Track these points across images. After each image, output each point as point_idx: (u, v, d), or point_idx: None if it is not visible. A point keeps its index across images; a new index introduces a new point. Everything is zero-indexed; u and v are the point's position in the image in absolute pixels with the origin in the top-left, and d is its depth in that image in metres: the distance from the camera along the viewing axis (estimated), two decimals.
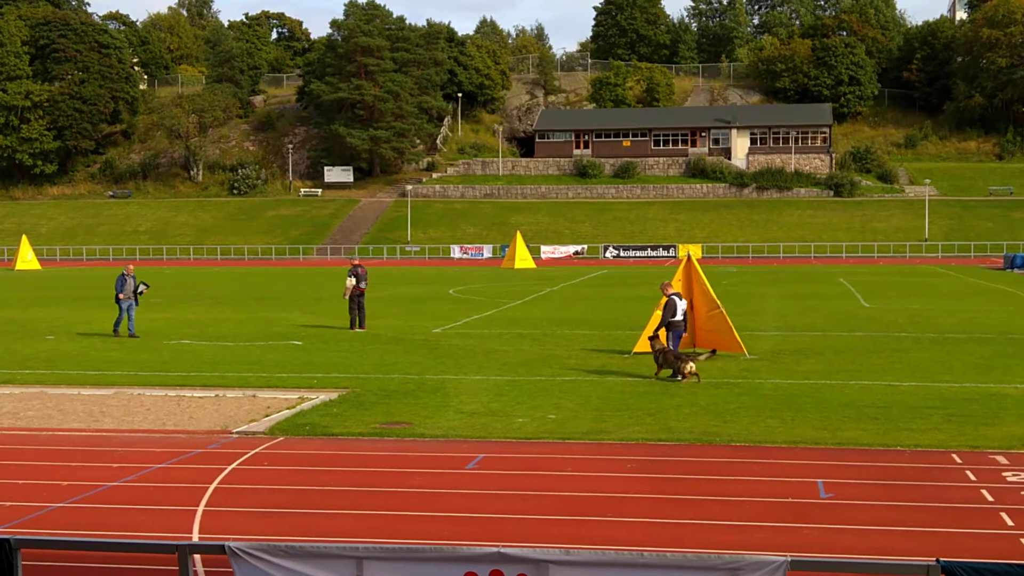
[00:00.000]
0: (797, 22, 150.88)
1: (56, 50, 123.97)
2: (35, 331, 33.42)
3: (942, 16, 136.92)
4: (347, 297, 32.97)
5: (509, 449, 15.96)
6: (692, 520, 12.20)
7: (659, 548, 10.93)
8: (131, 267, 32.60)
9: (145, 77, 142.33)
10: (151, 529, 11.98)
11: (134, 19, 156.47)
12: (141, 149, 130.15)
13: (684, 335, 24.20)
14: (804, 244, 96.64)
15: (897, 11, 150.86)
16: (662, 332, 23.29)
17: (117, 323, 31.85)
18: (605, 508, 12.70)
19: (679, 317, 23.47)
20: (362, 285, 32.88)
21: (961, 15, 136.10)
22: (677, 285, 25.69)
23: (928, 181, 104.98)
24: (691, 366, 21.83)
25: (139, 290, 31.86)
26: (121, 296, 31.47)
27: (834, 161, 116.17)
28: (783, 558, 6.51)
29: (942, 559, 6.52)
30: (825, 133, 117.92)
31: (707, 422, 17.59)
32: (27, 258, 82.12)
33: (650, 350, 22.77)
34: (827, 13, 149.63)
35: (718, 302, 25.63)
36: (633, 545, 11.05)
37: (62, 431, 17.84)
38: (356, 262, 33.92)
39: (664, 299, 23.79)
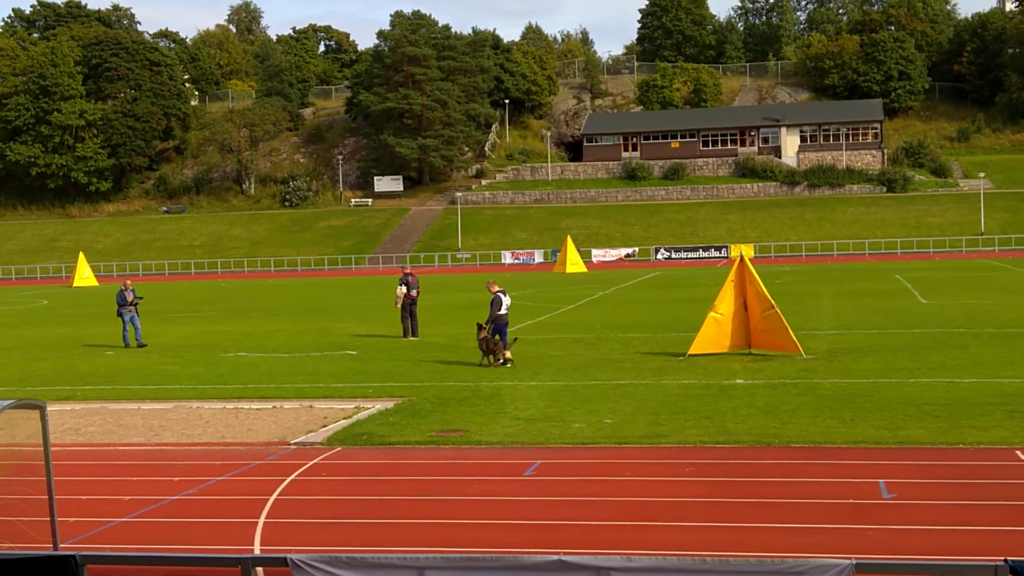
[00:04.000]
0: (845, 18, 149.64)
1: (108, 69, 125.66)
2: (94, 347, 33.84)
3: (992, 8, 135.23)
4: (399, 306, 33.09)
5: (566, 455, 15.91)
6: (753, 523, 12.09)
7: (720, 552, 10.85)
8: (129, 282, 34.84)
9: (196, 93, 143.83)
10: (213, 542, 12.06)
11: (184, 36, 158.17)
12: (194, 164, 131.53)
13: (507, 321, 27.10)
14: (858, 241, 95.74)
15: (948, 4, 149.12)
16: (487, 324, 26.45)
17: (126, 336, 33.30)
18: (664, 513, 12.62)
19: (503, 312, 26.67)
20: (413, 293, 32.97)
21: (1011, 6, 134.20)
22: (730, 287, 25.60)
23: (983, 174, 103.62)
24: (507, 353, 25.49)
25: (135, 301, 33.53)
26: (123, 310, 33.25)
27: (886, 157, 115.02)
28: (848, 561, 6.44)
29: (1010, 558, 6.41)
30: (876, 129, 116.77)
31: (765, 424, 17.44)
32: (84, 275, 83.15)
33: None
34: (875, 8, 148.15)
35: (773, 302, 25.42)
36: (694, 550, 10.97)
37: (123, 446, 18.02)
38: (407, 271, 34.03)
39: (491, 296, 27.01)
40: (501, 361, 25.59)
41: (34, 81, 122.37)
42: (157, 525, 12.97)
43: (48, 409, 9.16)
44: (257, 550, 11.72)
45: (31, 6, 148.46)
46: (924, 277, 55.99)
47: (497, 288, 27.33)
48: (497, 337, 26.22)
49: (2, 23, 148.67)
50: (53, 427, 17.78)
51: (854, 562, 6.42)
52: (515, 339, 26.93)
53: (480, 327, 26.23)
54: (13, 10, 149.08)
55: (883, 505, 12.68)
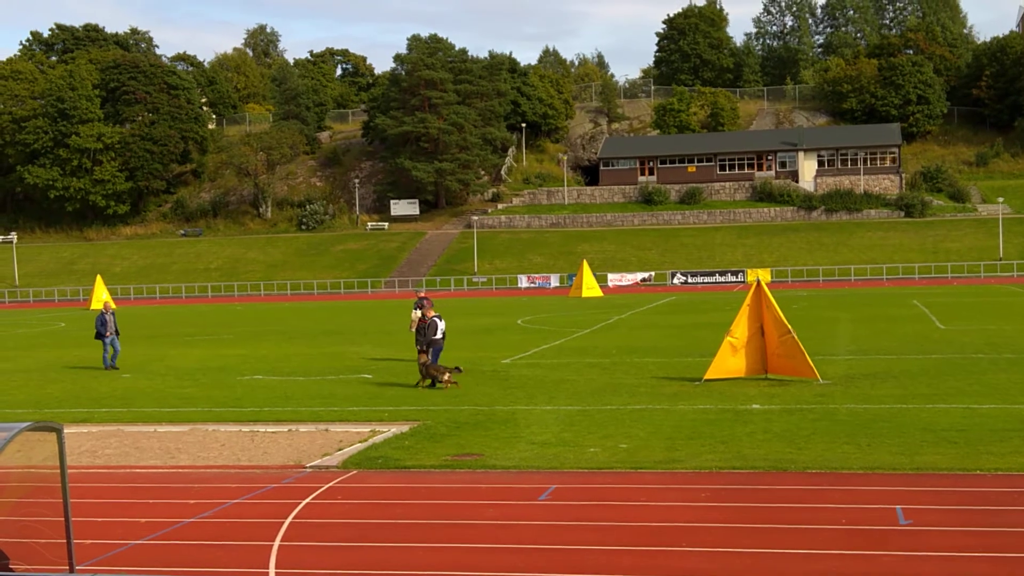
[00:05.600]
0: (863, 42, 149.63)
1: (126, 92, 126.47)
2: (111, 369, 33.90)
3: (1011, 32, 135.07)
4: (414, 330, 33.09)
5: (581, 479, 15.87)
6: (768, 549, 12.04)
7: None
8: (110, 306, 35.72)
9: (213, 117, 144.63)
10: (228, 565, 12.06)
11: (201, 60, 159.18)
12: (211, 188, 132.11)
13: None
14: (875, 266, 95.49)
15: (966, 28, 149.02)
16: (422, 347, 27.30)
17: (107, 358, 34.06)
18: (680, 538, 12.57)
19: (439, 336, 27.76)
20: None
21: None
22: (747, 312, 25.52)
23: (1001, 199, 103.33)
24: (447, 376, 26.20)
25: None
26: (107, 334, 34.15)
27: (904, 181, 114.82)
28: None
29: None
30: (894, 153, 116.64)
31: (781, 449, 17.37)
32: (102, 298, 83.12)
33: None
34: (893, 32, 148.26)
35: (789, 327, 25.35)
36: (710, 575, 10.92)
37: (139, 468, 18.05)
38: (422, 294, 34.09)
39: (426, 321, 27.94)
40: (442, 384, 26.28)
41: (52, 104, 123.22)
42: (172, 547, 12.98)
43: (65, 431, 9.19)
44: (272, 573, 11.72)
45: (49, 29, 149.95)
46: (942, 302, 55.78)
47: (433, 313, 28.41)
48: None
49: (20, 46, 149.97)
50: (69, 449, 17.83)
51: None
52: (458, 369, 27.27)
53: (421, 351, 27.07)
54: (32, 33, 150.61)
55: (900, 531, 12.61)
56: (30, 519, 10.79)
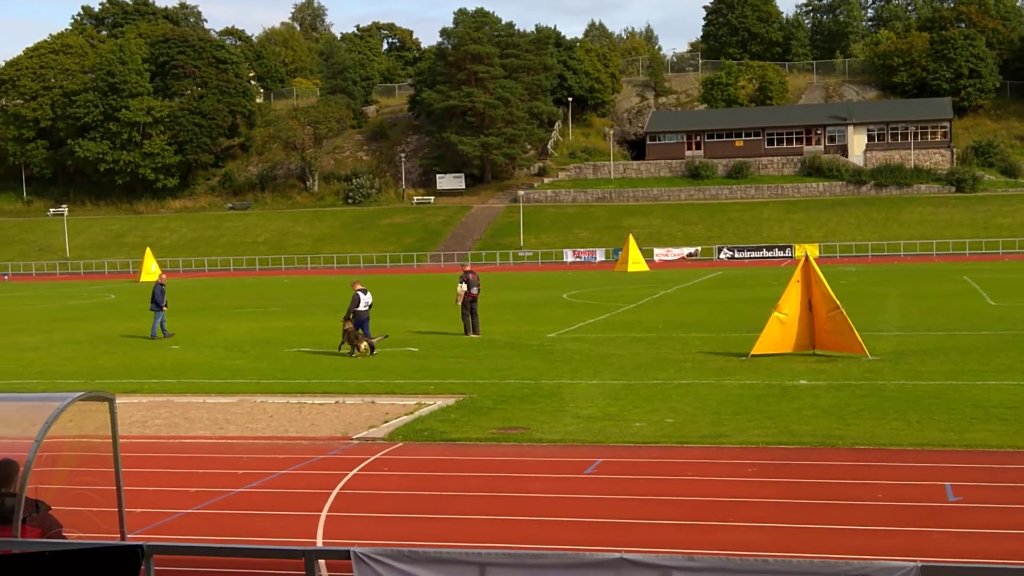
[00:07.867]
0: (914, 15, 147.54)
1: (175, 67, 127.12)
2: (161, 341, 34.27)
3: None
4: (460, 303, 33.19)
5: (627, 454, 15.88)
6: (816, 525, 11.99)
7: (783, 554, 10.77)
8: (164, 277, 37.87)
9: (261, 91, 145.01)
10: (276, 535, 12.18)
11: (250, 34, 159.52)
12: (259, 161, 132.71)
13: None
14: (925, 242, 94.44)
15: (1019, 1, 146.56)
16: (347, 317, 29.31)
17: (163, 327, 35.21)
18: (727, 513, 12.55)
19: (363, 308, 29.26)
20: (474, 291, 33.07)
21: None
22: (795, 287, 25.34)
23: None
24: (364, 345, 28.44)
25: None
26: (164, 305, 35.54)
27: (955, 156, 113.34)
28: (913, 563, 6.34)
29: None
30: (945, 128, 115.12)
31: (829, 425, 17.28)
32: (151, 270, 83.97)
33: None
34: (945, 5, 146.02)
35: (838, 302, 25.17)
36: (756, 551, 10.89)
37: (189, 438, 18.25)
38: (467, 268, 34.15)
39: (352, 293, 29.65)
40: (362, 351, 28.38)
41: (103, 78, 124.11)
42: (222, 517, 13.13)
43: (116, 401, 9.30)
44: (320, 543, 11.83)
45: (100, 4, 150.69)
46: (993, 278, 55.14)
47: (359, 287, 29.86)
48: (360, 331, 28.94)
49: (72, 20, 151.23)
50: (120, 419, 17.97)
51: (920, 565, 6.33)
52: (385, 336, 30.35)
53: (346, 319, 29.26)
54: (83, 8, 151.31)
55: (949, 508, 12.53)
56: (83, 487, 10.94)
